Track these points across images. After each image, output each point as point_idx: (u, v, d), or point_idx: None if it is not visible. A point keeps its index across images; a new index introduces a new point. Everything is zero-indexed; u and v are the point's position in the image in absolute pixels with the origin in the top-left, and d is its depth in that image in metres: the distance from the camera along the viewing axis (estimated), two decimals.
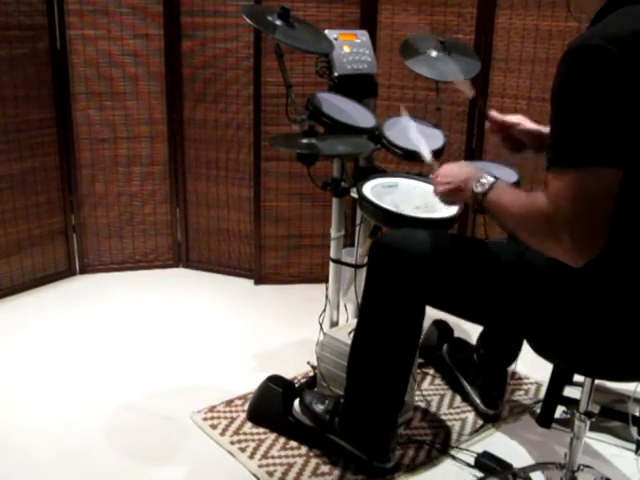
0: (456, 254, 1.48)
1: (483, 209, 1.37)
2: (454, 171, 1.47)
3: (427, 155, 1.69)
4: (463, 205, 1.54)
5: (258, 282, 3.01)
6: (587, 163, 1.13)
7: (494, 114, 1.71)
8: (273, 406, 1.91)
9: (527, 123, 1.67)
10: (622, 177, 1.14)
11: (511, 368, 2.09)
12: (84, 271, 3.04)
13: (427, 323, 2.25)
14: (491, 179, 1.35)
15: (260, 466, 1.78)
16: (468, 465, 1.82)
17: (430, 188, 1.86)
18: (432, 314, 1.62)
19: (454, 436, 1.94)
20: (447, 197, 1.48)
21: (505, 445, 1.91)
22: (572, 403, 1.88)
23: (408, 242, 1.51)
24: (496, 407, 2.01)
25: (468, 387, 2.10)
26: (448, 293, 1.49)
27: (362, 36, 2.11)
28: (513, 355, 2.01)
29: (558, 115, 1.17)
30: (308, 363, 2.19)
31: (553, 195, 1.17)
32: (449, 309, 1.53)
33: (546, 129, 1.61)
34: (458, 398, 2.13)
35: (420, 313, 1.59)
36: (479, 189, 1.35)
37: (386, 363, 1.63)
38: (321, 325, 2.03)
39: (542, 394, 2.07)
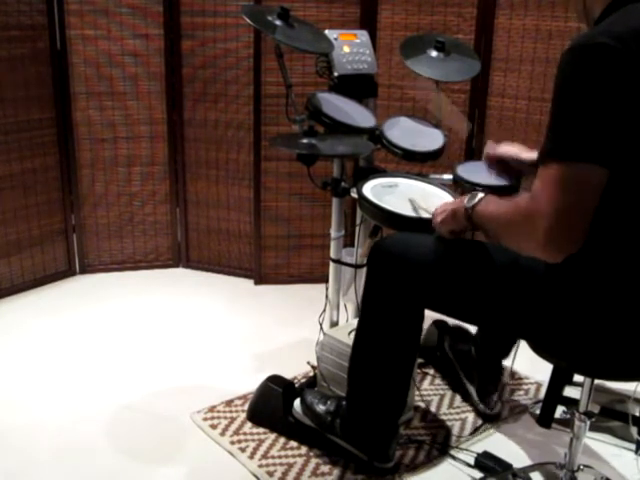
0: (455, 257, 1.48)
1: (475, 224, 1.39)
2: (448, 202, 1.54)
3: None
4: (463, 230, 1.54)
5: (258, 282, 3.01)
6: (573, 158, 1.13)
7: (489, 150, 1.73)
8: (273, 406, 1.91)
9: (523, 153, 1.69)
10: (607, 177, 1.14)
11: (510, 368, 2.09)
12: (84, 271, 3.04)
13: (427, 323, 2.25)
14: (481, 194, 1.39)
15: (260, 466, 1.78)
16: (468, 465, 1.82)
17: (430, 189, 1.87)
18: (432, 314, 1.62)
19: (454, 436, 1.94)
20: (446, 225, 1.49)
21: (505, 445, 1.91)
22: (572, 403, 1.88)
23: (407, 246, 1.51)
24: (494, 406, 2.01)
25: (467, 383, 2.09)
26: (447, 297, 1.49)
27: (362, 36, 2.11)
28: (507, 348, 2.02)
29: (555, 110, 1.17)
30: (308, 363, 2.19)
31: (538, 188, 1.18)
32: (449, 312, 1.53)
33: None
34: (458, 398, 2.13)
35: (420, 316, 1.60)
36: (469, 203, 1.39)
37: (387, 366, 1.63)
38: (321, 325, 2.03)
39: (542, 394, 2.07)
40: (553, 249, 1.18)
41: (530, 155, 1.68)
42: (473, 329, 2.17)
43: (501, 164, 1.73)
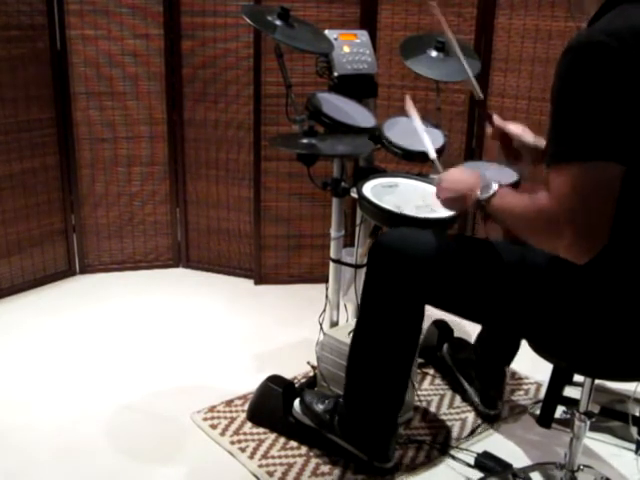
0: (456, 253, 1.48)
1: (488, 215, 1.38)
2: (461, 178, 1.48)
3: (432, 153, 1.69)
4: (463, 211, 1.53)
5: (258, 282, 3.01)
6: (587, 157, 1.13)
7: (497, 119, 1.71)
8: (273, 406, 1.91)
9: (528, 136, 1.67)
10: (623, 173, 1.14)
11: (510, 368, 2.09)
12: (84, 271, 3.04)
13: (427, 323, 2.25)
14: (495, 186, 1.37)
15: (260, 466, 1.78)
16: (468, 465, 1.82)
17: (431, 188, 1.87)
18: (432, 314, 1.62)
19: (454, 436, 1.94)
20: (451, 204, 1.48)
21: (505, 445, 1.91)
22: (572, 403, 1.88)
23: (407, 241, 1.51)
24: (495, 407, 2.01)
25: (468, 387, 2.10)
26: (448, 292, 1.49)
27: (362, 36, 2.11)
28: (510, 355, 2.01)
29: (558, 111, 1.17)
30: (308, 363, 2.19)
31: (554, 191, 1.18)
32: (449, 308, 1.53)
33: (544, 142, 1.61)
34: (458, 398, 2.13)
35: (420, 313, 1.59)
36: (484, 196, 1.37)
37: (386, 363, 1.62)
38: (321, 325, 2.03)
39: (542, 394, 2.07)
40: (580, 250, 1.18)
41: (534, 140, 1.66)
42: (472, 339, 2.17)
43: (504, 140, 1.71)
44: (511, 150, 1.70)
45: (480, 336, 2.09)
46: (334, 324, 2.09)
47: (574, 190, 1.14)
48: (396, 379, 1.66)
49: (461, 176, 1.49)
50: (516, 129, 1.69)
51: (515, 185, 1.86)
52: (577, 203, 1.15)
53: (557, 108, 1.17)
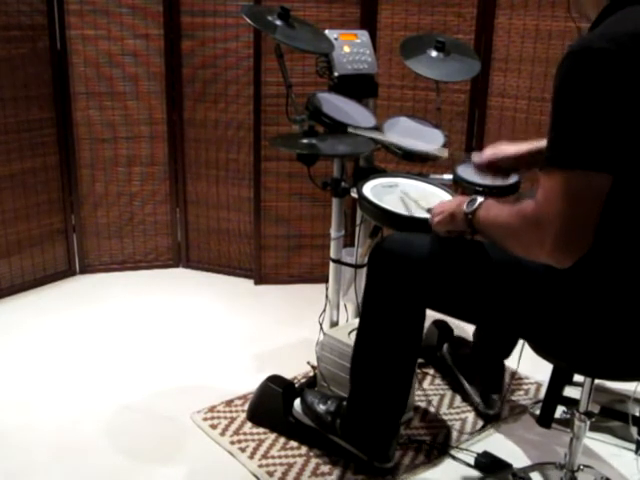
0: (456, 256, 1.48)
1: (475, 229, 1.38)
2: (448, 202, 1.53)
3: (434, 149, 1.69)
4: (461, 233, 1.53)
5: (258, 282, 3.01)
6: (579, 165, 1.13)
7: (476, 160, 1.72)
8: (273, 406, 1.91)
9: (505, 150, 1.67)
10: (612, 183, 1.14)
11: (510, 368, 2.09)
12: (84, 271, 3.04)
13: (427, 323, 2.25)
14: (481, 198, 1.38)
15: (260, 466, 1.78)
16: (468, 465, 1.82)
17: (431, 189, 1.87)
18: (432, 314, 1.62)
19: (454, 436, 1.94)
20: (444, 226, 1.48)
21: (505, 445, 1.91)
22: (572, 403, 1.88)
23: (408, 246, 1.51)
24: (495, 407, 2.01)
25: (468, 387, 2.10)
26: (448, 296, 1.49)
27: (362, 36, 2.11)
28: (508, 348, 2.01)
29: (556, 115, 1.17)
30: (308, 363, 2.19)
31: (541, 195, 1.18)
32: (449, 312, 1.53)
33: (526, 144, 1.61)
34: (458, 398, 2.13)
35: (421, 316, 1.60)
36: (469, 208, 1.38)
37: (388, 366, 1.63)
38: (321, 325, 2.03)
39: (542, 394, 2.07)
40: (561, 256, 1.18)
41: (517, 148, 1.67)
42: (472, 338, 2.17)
43: (492, 168, 1.72)
44: (502, 171, 1.71)
45: (477, 329, 2.09)
46: (334, 324, 2.09)
47: (562, 195, 1.14)
48: (399, 381, 1.66)
49: (448, 201, 1.54)
50: (495, 151, 1.69)
51: (514, 187, 1.86)
52: (563, 208, 1.14)
53: (554, 112, 1.17)
